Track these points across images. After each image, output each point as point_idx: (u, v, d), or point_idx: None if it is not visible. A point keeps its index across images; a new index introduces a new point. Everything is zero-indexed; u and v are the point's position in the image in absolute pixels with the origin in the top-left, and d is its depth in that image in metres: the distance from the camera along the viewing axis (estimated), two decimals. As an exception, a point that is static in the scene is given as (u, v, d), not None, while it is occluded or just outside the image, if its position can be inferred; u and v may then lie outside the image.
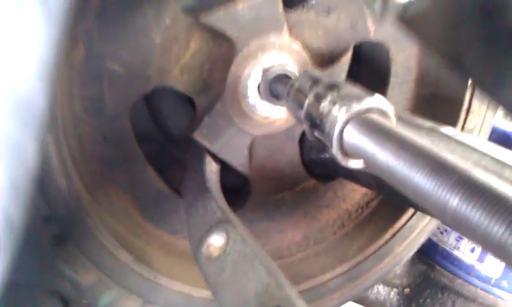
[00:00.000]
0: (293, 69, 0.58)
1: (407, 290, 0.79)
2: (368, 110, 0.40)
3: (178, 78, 0.57)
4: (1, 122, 0.19)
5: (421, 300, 0.77)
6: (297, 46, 0.59)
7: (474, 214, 0.30)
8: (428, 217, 0.66)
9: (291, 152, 0.65)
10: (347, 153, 0.42)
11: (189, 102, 0.62)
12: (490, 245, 0.29)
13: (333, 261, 0.67)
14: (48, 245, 0.48)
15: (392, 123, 0.41)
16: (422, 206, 0.34)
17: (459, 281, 0.76)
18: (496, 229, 0.28)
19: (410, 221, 0.66)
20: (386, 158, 0.38)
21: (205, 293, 0.58)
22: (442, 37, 0.28)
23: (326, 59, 0.61)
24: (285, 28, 0.57)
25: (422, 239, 0.68)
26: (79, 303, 0.57)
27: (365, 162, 0.40)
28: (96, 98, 0.53)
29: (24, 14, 0.18)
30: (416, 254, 0.72)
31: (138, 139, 0.59)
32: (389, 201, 0.69)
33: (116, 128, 0.55)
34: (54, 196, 0.46)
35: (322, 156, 0.66)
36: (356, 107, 0.40)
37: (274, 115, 0.60)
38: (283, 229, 0.70)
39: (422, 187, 0.34)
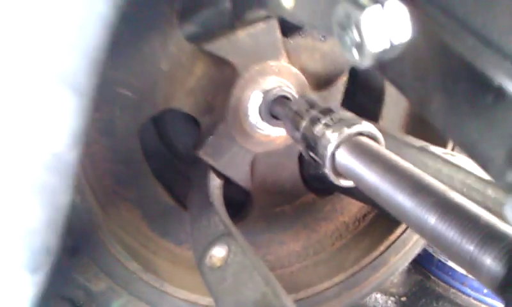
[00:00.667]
0: (292, 91, 0.62)
1: (403, 299, 0.82)
2: (358, 134, 0.44)
3: (184, 101, 0.61)
4: (43, 175, 0.23)
5: (417, 308, 0.80)
6: (295, 70, 0.63)
7: (449, 233, 0.34)
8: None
9: (291, 168, 0.69)
10: (339, 172, 0.46)
11: (195, 121, 0.66)
12: (463, 262, 0.33)
13: (331, 270, 0.70)
14: (64, 256, 0.53)
15: (381, 147, 0.45)
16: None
17: (453, 290, 0.79)
18: (467, 247, 0.32)
19: (404, 234, 0.69)
20: (372, 179, 0.42)
21: (208, 301, 0.62)
22: (411, 84, 0.32)
23: (323, 81, 0.65)
24: (283, 53, 0.61)
25: (416, 250, 0.71)
26: (91, 308, 0.61)
27: (355, 181, 0.44)
28: (108, 120, 0.57)
29: (59, 97, 0.23)
30: (412, 265, 0.76)
31: (146, 156, 0.64)
32: (384, 215, 0.72)
33: (126, 147, 0.60)
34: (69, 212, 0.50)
35: (320, 172, 0.70)
36: (347, 131, 0.44)
37: (274, 134, 0.64)
38: (283, 240, 0.73)
39: (404, 206, 0.38)
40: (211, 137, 0.62)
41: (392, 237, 0.70)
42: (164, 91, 0.58)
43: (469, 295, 0.79)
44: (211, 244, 0.52)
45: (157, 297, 0.59)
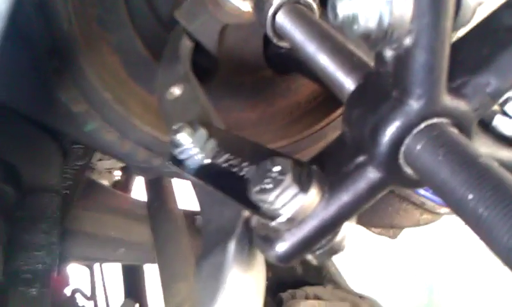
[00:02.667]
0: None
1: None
2: (297, 1, 0.54)
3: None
4: None
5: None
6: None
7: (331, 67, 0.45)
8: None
9: (255, 43, 0.80)
10: (278, 34, 0.56)
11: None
12: (333, 83, 0.44)
13: (277, 137, 0.83)
14: (50, 74, 0.64)
15: (315, 15, 0.55)
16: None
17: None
18: (340, 77, 0.43)
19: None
20: (301, 38, 0.51)
21: (167, 139, 0.75)
22: None
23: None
24: None
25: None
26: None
27: (290, 42, 0.54)
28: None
29: None
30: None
31: (132, 16, 0.73)
32: (330, 98, 0.83)
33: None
34: (57, 35, 0.61)
35: (280, 51, 0.80)
36: (286, -4, 0.53)
37: (243, 8, 0.73)
38: (242, 108, 0.85)
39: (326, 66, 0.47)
40: (187, 0, 0.72)
41: (333, 116, 0.82)
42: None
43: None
44: (172, 84, 0.63)
45: (125, 126, 0.72)
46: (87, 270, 1.78)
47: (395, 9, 0.31)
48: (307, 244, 0.38)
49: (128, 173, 1.92)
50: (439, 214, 0.99)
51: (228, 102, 0.84)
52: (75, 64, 0.65)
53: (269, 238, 0.39)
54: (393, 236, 1.08)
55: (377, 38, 0.33)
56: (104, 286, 1.76)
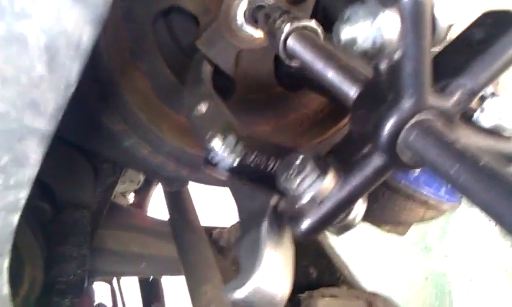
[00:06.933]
0: (270, 2, 0.81)
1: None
2: (304, 27, 0.64)
3: (188, 1, 0.81)
4: None
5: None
6: (274, -14, 0.81)
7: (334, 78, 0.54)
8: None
9: (267, 64, 0.90)
10: (289, 55, 0.66)
11: (194, 23, 0.86)
12: (337, 91, 0.54)
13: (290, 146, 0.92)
14: (93, 100, 0.74)
15: (320, 39, 0.65)
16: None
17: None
18: (345, 87, 0.52)
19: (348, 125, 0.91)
20: (310, 58, 0.61)
21: (194, 150, 0.85)
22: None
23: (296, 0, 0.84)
24: (266, -28, 0.79)
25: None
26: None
27: (301, 61, 0.63)
28: (127, 8, 0.77)
29: None
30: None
31: (159, 46, 0.83)
32: (336, 109, 0.93)
33: (141, 31, 0.80)
34: (100, 65, 0.72)
35: (290, 70, 0.90)
36: (296, 24, 0.63)
37: (255, 35, 0.83)
38: (257, 122, 0.95)
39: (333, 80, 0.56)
40: (206, 31, 0.82)
41: (339, 126, 0.92)
42: (173, -11, 0.78)
43: (399, 181, 1.01)
44: (198, 102, 0.73)
45: (157, 141, 0.82)
46: (106, 285, 1.86)
47: (385, 33, 0.41)
48: (326, 220, 0.47)
49: (141, 195, 2.03)
50: (442, 210, 1.07)
51: (244, 117, 0.94)
52: (114, 90, 0.75)
53: (295, 218, 0.48)
54: (402, 233, 1.15)
55: (372, 55, 0.42)
56: (122, 299, 1.85)
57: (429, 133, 0.43)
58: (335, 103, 0.93)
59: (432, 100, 0.45)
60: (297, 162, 0.47)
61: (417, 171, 0.99)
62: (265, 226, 0.49)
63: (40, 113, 0.36)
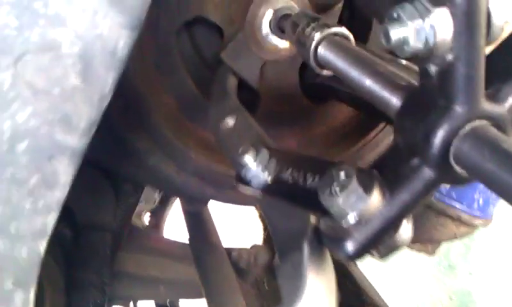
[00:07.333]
0: (296, 10, 0.78)
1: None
2: (335, 34, 0.61)
3: (213, 12, 0.79)
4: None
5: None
6: (301, -6, 0.79)
7: (374, 87, 0.51)
8: (393, 135, 0.87)
9: (292, 76, 0.87)
10: (321, 65, 0.63)
11: (218, 35, 0.84)
12: (379, 102, 0.50)
13: (317, 160, 0.89)
14: (116, 117, 0.72)
15: (352, 44, 0.62)
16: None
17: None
18: (384, 94, 0.49)
19: (378, 136, 0.88)
20: (344, 66, 0.58)
21: (220, 168, 0.82)
22: None
23: (322, 6, 0.82)
24: (292, -20, 0.77)
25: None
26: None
27: (333, 70, 0.61)
28: (153, 19, 0.75)
29: None
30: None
31: (182, 59, 0.82)
32: (364, 122, 0.90)
33: (166, 43, 0.78)
34: (124, 78, 0.69)
35: (316, 81, 0.87)
36: (327, 31, 0.60)
37: (281, 45, 0.81)
38: (283, 136, 0.92)
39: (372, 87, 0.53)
40: (231, 43, 0.80)
41: (368, 138, 0.88)
42: (198, 1, 0.76)
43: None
44: (225, 116, 0.70)
45: (182, 159, 0.79)
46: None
47: (438, 32, 0.38)
48: (373, 240, 0.44)
49: (157, 215, 2.00)
50: (475, 226, 1.02)
51: (269, 131, 0.91)
52: (139, 105, 0.73)
53: (338, 239, 0.44)
54: (432, 252, 1.11)
55: (423, 56, 0.39)
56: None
57: (486, 143, 0.40)
58: (363, 115, 0.90)
59: (486, 106, 0.42)
60: (340, 177, 0.43)
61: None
62: (306, 248, 0.45)
63: (71, 128, 0.33)
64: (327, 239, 0.46)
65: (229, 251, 1.44)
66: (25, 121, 0.33)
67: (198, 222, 1.36)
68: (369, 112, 0.82)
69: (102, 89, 0.32)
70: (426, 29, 0.38)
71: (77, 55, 0.29)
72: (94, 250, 1.12)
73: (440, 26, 0.38)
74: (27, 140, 0.34)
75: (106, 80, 0.32)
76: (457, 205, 0.97)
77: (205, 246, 1.30)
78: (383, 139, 0.88)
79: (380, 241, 0.45)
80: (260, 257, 1.54)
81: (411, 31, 0.38)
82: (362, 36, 0.87)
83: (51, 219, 0.42)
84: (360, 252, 0.44)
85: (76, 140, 0.35)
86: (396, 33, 0.39)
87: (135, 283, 1.47)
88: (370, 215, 0.43)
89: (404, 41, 0.38)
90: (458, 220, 1.00)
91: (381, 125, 0.88)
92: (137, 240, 1.52)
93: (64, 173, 0.38)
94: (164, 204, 1.91)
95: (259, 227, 1.71)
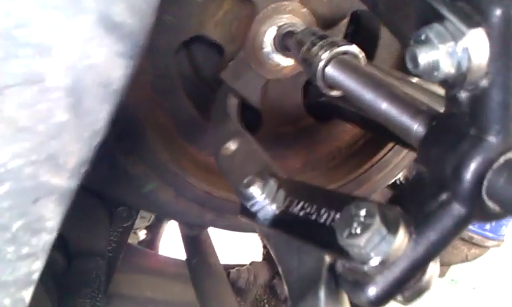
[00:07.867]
0: (301, 27, 0.74)
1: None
2: (344, 53, 0.57)
3: (213, 30, 0.74)
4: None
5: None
6: (305, 9, 0.75)
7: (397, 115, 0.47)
8: (402, 154, 0.83)
9: (295, 95, 0.83)
10: (329, 85, 0.59)
11: (218, 52, 0.80)
12: (401, 131, 0.45)
13: (323, 182, 0.85)
14: (112, 140, 0.68)
15: (362, 64, 0.58)
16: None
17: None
18: (405, 121, 0.45)
19: (386, 156, 0.83)
20: (356, 87, 0.54)
21: (221, 194, 0.77)
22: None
23: (328, 22, 0.78)
24: (296, -4, 0.74)
25: (397, 172, 0.85)
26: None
27: (342, 90, 0.56)
28: (151, 40, 0.71)
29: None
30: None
31: (180, 79, 0.77)
32: (371, 141, 0.86)
33: (164, 64, 0.74)
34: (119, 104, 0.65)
35: (320, 100, 0.83)
36: (336, 50, 0.56)
37: (284, 64, 0.77)
38: (286, 157, 0.88)
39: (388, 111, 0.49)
40: (232, 61, 0.76)
41: (375, 159, 0.84)
42: (198, 19, 0.72)
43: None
44: (226, 140, 0.66)
45: (180, 184, 0.74)
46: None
47: (473, 56, 0.34)
48: (398, 285, 0.39)
49: (153, 231, 1.95)
50: (486, 247, 0.98)
51: (272, 151, 0.86)
52: (134, 129, 0.68)
53: (359, 283, 0.40)
54: (441, 275, 1.06)
55: (455, 82, 0.35)
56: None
57: (524, 177, 0.35)
58: (370, 135, 0.86)
59: (522, 135, 0.38)
60: (361, 215, 0.39)
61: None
62: (322, 293, 0.41)
63: (59, 168, 0.29)
64: (345, 283, 0.41)
65: (228, 269, 1.38)
66: (6, 162, 0.28)
67: (196, 243, 1.31)
68: (377, 132, 0.77)
69: (93, 125, 0.28)
70: (459, 53, 0.34)
71: (65, 89, 0.25)
72: (87, 277, 1.07)
73: (474, 49, 0.34)
74: (9, 182, 0.29)
75: (99, 115, 0.27)
76: (470, 226, 0.93)
77: (203, 267, 1.25)
78: (392, 159, 0.84)
79: (406, 285, 0.40)
80: (260, 275, 1.49)
81: (442, 55, 0.34)
82: (368, 52, 0.83)
83: (37, 266, 0.37)
84: (383, 298, 0.39)
85: (64, 181, 0.31)
86: (425, 57, 0.34)
87: (130, 306, 1.42)
88: (395, 257, 0.38)
89: (434, 66, 0.34)
90: (470, 241, 0.96)
91: (390, 145, 0.84)
92: (132, 259, 1.47)
93: (52, 216, 0.33)
94: (160, 220, 1.85)
95: (258, 242, 1.66)
